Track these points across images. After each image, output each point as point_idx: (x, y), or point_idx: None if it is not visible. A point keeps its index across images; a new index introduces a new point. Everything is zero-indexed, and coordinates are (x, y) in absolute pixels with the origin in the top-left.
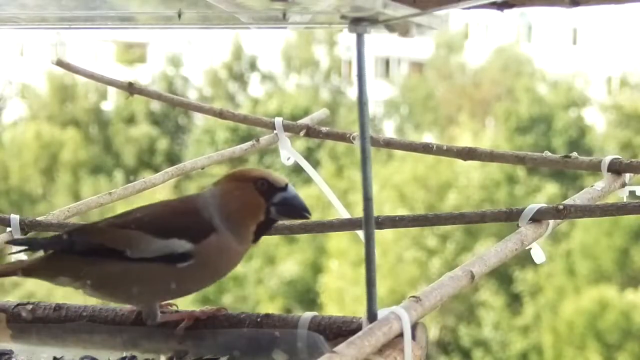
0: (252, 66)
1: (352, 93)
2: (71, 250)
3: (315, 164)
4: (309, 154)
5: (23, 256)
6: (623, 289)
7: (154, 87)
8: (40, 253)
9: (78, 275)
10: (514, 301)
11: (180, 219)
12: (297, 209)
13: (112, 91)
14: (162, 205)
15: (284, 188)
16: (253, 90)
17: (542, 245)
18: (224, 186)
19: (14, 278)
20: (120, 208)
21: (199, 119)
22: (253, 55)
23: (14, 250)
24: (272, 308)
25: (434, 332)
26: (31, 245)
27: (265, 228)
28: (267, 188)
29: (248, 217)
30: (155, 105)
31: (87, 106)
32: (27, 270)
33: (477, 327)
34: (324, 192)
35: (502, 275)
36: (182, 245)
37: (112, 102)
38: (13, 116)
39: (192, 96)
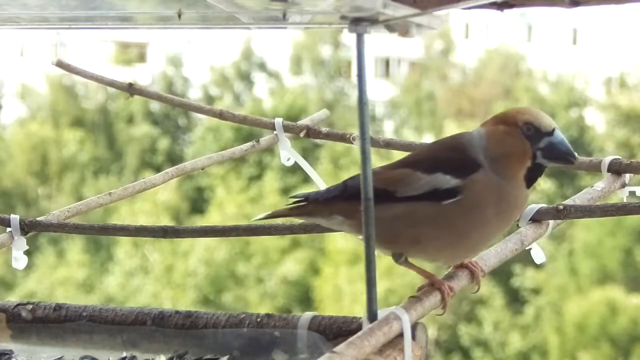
0: (260, 66)
1: (353, 93)
2: (343, 196)
3: (314, 164)
4: (308, 154)
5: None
6: (629, 290)
7: (153, 88)
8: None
9: (350, 216)
10: (515, 300)
11: (445, 154)
12: (562, 154)
13: (113, 91)
14: (434, 142)
15: (551, 132)
16: (258, 90)
17: (544, 244)
18: (490, 128)
19: (13, 278)
20: (121, 208)
21: (203, 117)
22: (261, 55)
23: (292, 201)
24: (271, 308)
25: (433, 332)
26: (308, 197)
27: (535, 173)
28: (534, 133)
29: (515, 162)
30: (155, 105)
31: (88, 106)
32: (307, 211)
33: (477, 326)
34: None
35: (503, 275)
36: (447, 180)
37: (113, 102)
38: (13, 116)
39: (196, 95)
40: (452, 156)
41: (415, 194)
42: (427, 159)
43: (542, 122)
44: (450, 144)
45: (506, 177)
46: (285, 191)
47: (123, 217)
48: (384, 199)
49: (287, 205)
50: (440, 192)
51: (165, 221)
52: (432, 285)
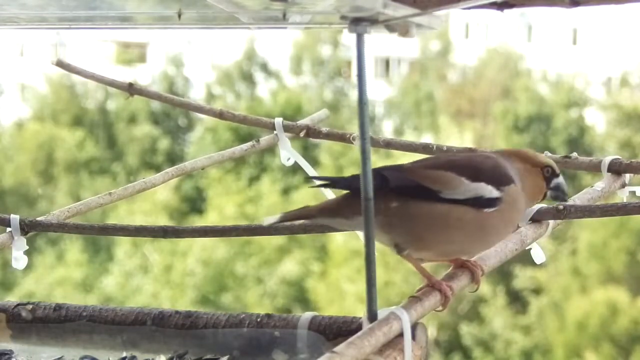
0: (262, 66)
1: (353, 93)
2: (384, 187)
3: (314, 163)
4: (308, 154)
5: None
6: (633, 292)
7: (154, 88)
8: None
9: (384, 213)
10: (517, 300)
11: (487, 165)
12: (563, 194)
13: (113, 91)
14: (466, 153)
15: (559, 175)
16: (260, 89)
17: (546, 245)
18: (516, 164)
19: (12, 278)
20: (121, 208)
21: (203, 117)
22: (263, 55)
23: (316, 184)
24: (271, 308)
25: (433, 331)
26: (335, 183)
27: None
28: (550, 174)
29: (536, 197)
30: (156, 105)
31: (88, 106)
32: (324, 210)
33: (478, 326)
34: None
35: (505, 275)
36: (490, 190)
37: (113, 101)
38: (12, 117)
39: (198, 95)
40: (492, 168)
41: (460, 197)
42: (470, 166)
43: (556, 167)
44: (487, 158)
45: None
46: (285, 191)
47: (121, 216)
48: (425, 197)
49: (311, 186)
50: (482, 200)
51: (164, 221)
52: (432, 286)
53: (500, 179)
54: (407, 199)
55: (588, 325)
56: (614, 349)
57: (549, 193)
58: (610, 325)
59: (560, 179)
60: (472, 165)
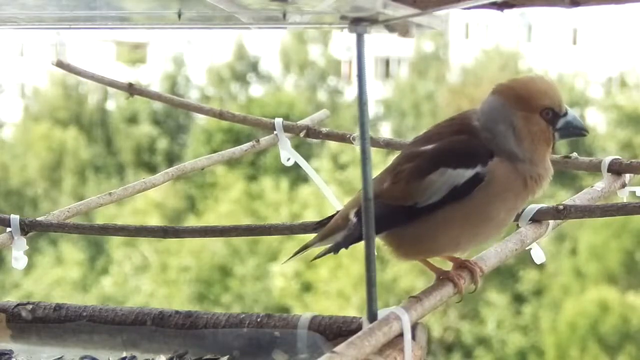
0: (253, 66)
1: (349, 93)
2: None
3: (313, 164)
4: (307, 154)
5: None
6: (625, 289)
7: (154, 88)
8: None
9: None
10: (519, 301)
11: (448, 146)
12: (578, 130)
13: (115, 91)
14: (437, 132)
15: (565, 112)
16: (253, 90)
17: (547, 245)
18: (511, 110)
19: (11, 278)
20: (120, 208)
21: (201, 119)
22: (255, 55)
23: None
24: (271, 307)
25: (437, 331)
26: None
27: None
28: (552, 116)
29: (542, 147)
30: (158, 105)
31: (90, 106)
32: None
33: (478, 325)
34: (323, 192)
35: (506, 275)
36: (461, 175)
37: (114, 101)
38: (13, 117)
39: (193, 96)
40: (457, 146)
41: (437, 199)
42: (431, 157)
43: (559, 106)
44: (457, 129)
45: (534, 161)
46: (284, 191)
47: (118, 216)
48: (407, 214)
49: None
50: (460, 188)
51: (161, 220)
52: (447, 278)
53: (473, 156)
54: (391, 230)
55: (578, 325)
56: (601, 347)
57: (557, 136)
58: (599, 323)
59: (569, 116)
60: (434, 154)
